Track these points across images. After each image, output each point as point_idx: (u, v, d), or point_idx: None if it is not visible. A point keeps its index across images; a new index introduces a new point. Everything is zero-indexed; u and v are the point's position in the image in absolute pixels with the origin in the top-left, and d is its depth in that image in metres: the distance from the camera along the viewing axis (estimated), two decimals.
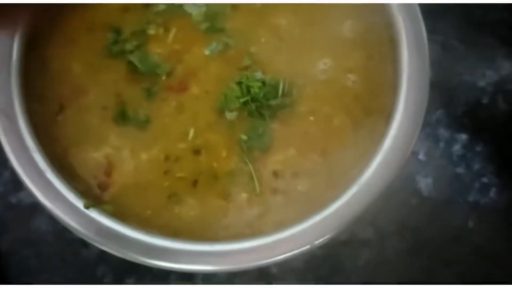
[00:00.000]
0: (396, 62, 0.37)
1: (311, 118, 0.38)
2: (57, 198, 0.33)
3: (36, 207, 0.47)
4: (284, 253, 0.34)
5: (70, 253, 0.46)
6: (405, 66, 0.36)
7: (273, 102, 0.37)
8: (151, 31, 0.39)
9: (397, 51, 0.37)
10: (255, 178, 0.37)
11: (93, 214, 0.33)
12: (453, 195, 0.49)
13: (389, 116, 0.36)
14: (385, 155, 0.35)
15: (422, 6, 0.40)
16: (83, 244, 0.46)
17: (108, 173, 0.36)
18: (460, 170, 0.49)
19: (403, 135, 0.35)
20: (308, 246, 0.34)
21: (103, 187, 0.36)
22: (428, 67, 0.36)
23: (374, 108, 0.38)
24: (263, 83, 0.38)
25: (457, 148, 0.50)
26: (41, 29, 0.38)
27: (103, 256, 0.45)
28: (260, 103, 0.37)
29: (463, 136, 0.50)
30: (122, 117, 0.37)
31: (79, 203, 0.33)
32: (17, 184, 0.47)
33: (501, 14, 0.53)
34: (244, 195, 0.36)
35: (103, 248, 0.33)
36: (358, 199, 0.34)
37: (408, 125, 0.35)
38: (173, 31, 0.39)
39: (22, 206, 0.47)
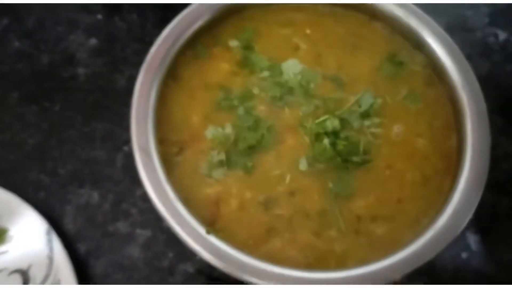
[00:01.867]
0: (460, 131, 0.45)
1: (387, 172, 0.45)
2: (183, 224, 0.40)
3: (131, 236, 0.53)
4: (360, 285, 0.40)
5: (158, 279, 0.51)
6: (469, 135, 0.44)
7: (355, 158, 0.45)
8: (255, 91, 0.48)
9: (461, 121, 0.45)
10: (340, 220, 0.43)
11: (212, 239, 0.40)
12: (499, 251, 0.54)
13: (455, 175, 0.44)
14: (454, 208, 0.42)
15: None
16: (170, 272, 0.51)
17: (218, 206, 0.43)
18: (504, 228, 0.55)
19: (469, 191, 0.42)
20: (380, 284, 0.40)
21: (213, 218, 0.43)
22: (489, 136, 0.44)
23: (442, 168, 0.45)
24: (347, 141, 0.45)
25: (501, 209, 0.56)
26: (168, 88, 0.47)
27: (187, 282, 0.51)
28: (345, 158, 0.45)
29: (506, 199, 0.56)
30: (231, 162, 0.44)
31: (200, 229, 0.40)
32: (115, 214, 0.54)
33: None
34: (331, 233, 0.43)
35: (219, 267, 0.39)
36: (431, 245, 0.41)
37: (474, 183, 0.42)
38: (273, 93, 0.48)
39: (119, 234, 0.52)
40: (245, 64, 0.48)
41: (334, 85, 0.48)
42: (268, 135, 0.45)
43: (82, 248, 0.52)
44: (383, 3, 0.49)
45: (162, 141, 0.45)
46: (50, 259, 0.48)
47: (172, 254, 0.52)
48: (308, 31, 0.50)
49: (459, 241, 0.55)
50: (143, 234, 0.53)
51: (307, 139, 0.46)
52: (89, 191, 0.54)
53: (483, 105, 0.45)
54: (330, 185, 0.44)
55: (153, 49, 0.46)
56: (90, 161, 0.55)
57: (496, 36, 0.66)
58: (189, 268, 0.52)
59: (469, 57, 0.64)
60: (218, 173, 0.44)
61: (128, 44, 0.61)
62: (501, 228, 0.56)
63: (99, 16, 0.63)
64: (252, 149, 0.45)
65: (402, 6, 0.49)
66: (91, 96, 0.59)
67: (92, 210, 0.53)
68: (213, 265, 0.39)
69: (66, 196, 0.54)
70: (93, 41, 0.62)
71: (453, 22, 0.65)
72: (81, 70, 0.60)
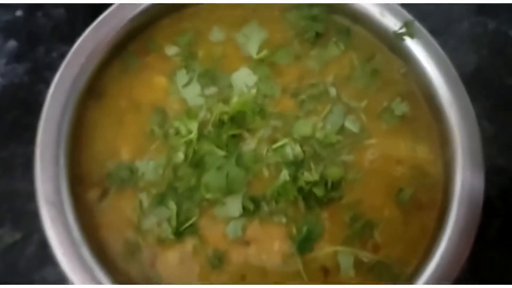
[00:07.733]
0: (448, 157, 0.37)
1: (361, 209, 0.37)
2: None
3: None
4: None
5: None
6: (459, 163, 0.36)
7: (320, 195, 0.37)
8: (200, 113, 0.39)
9: (450, 147, 0.37)
10: (303, 275, 0.35)
11: None
12: (491, 277, 0.48)
13: (441, 212, 0.36)
14: (441, 258, 0.34)
15: None
16: None
17: (152, 264, 0.35)
18: (494, 253, 0.49)
19: (459, 236, 0.35)
20: None
21: (147, 280, 0.34)
22: (483, 171, 0.36)
23: (425, 202, 0.37)
24: (311, 173, 0.37)
25: (492, 231, 0.49)
26: (87, 110, 0.38)
27: None
28: (308, 195, 0.37)
29: (497, 220, 0.50)
30: (167, 207, 0.36)
31: None
32: (41, 260, 0.46)
33: None
34: None
35: None
36: None
37: (465, 225, 0.35)
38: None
39: (47, 283, 0.45)
40: (186, 77, 0.39)
41: (295, 101, 0.40)
42: (215, 171, 0.37)
43: None
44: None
45: (80, 181, 0.36)
46: None
47: None
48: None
49: None
50: None
51: (265, 172, 0.37)
52: (9, 231, 0.47)
53: (476, 135, 0.37)
54: (294, 230, 0.36)
55: (66, 60, 0.37)
56: (9, 194, 0.47)
57: (485, 25, 0.58)
58: None
59: (454, 50, 0.56)
60: (150, 221, 0.35)
61: (53, 46, 0.52)
62: (490, 254, 0.49)
63: (19, 13, 0.54)
64: (194, 190, 0.36)
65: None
66: (9, 112, 0.50)
67: (14, 255, 0.46)
68: None
69: None
70: (11, 43, 0.53)
71: (437, 11, 0.57)
72: None
